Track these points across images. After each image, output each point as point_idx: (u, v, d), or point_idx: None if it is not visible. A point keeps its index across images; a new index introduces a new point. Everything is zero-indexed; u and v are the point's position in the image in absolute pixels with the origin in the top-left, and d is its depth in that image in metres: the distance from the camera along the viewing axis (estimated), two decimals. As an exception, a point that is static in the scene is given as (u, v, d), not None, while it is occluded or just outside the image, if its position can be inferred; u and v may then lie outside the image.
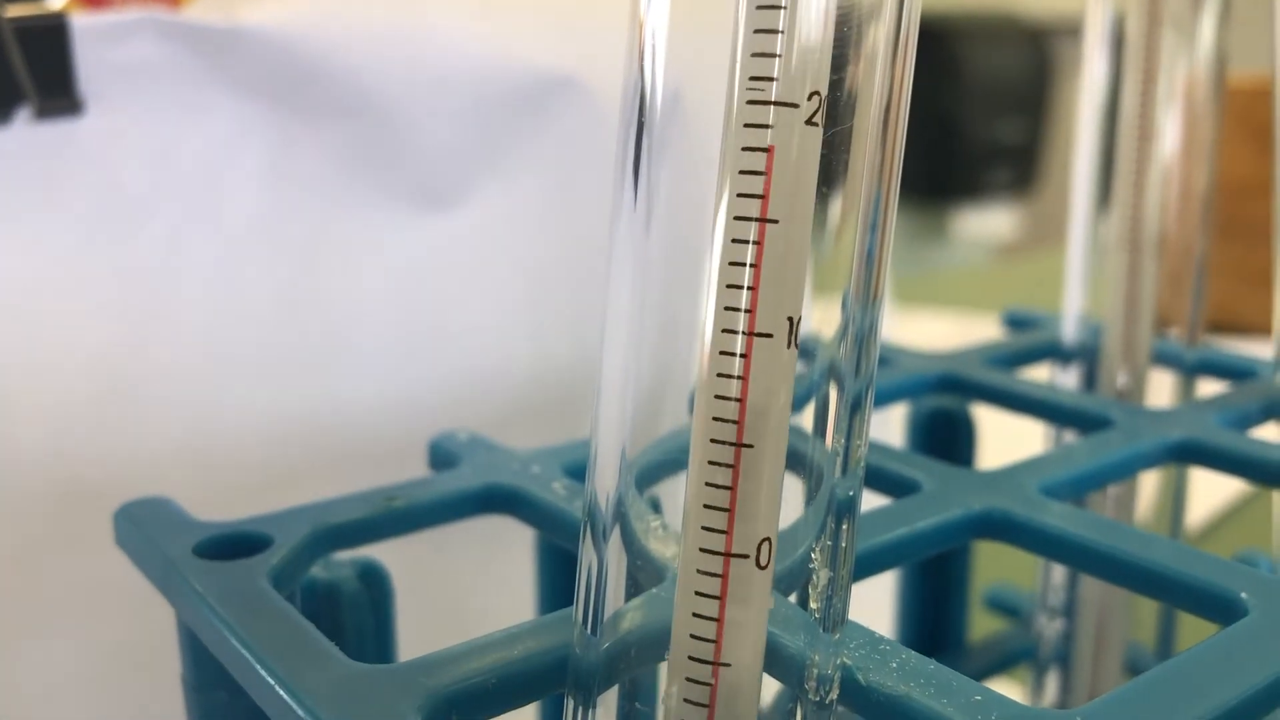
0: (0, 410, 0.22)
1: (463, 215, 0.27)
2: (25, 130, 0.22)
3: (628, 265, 0.12)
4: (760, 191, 0.11)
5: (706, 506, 0.11)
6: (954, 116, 1.69)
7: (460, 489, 0.18)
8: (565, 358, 0.28)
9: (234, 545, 0.16)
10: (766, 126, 0.11)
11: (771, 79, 0.11)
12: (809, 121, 0.11)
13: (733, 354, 0.11)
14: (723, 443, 0.11)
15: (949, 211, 1.78)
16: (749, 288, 0.11)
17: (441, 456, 0.20)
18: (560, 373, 0.28)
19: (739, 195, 0.11)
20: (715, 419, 0.11)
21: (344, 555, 0.17)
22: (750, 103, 0.11)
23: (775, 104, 0.11)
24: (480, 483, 0.18)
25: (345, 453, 0.26)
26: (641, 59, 0.11)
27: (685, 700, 0.12)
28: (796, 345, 0.11)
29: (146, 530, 0.17)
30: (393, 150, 0.26)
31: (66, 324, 0.23)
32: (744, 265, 0.11)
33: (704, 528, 0.11)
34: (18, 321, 0.22)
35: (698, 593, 0.11)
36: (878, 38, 0.11)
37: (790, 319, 0.11)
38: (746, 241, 0.11)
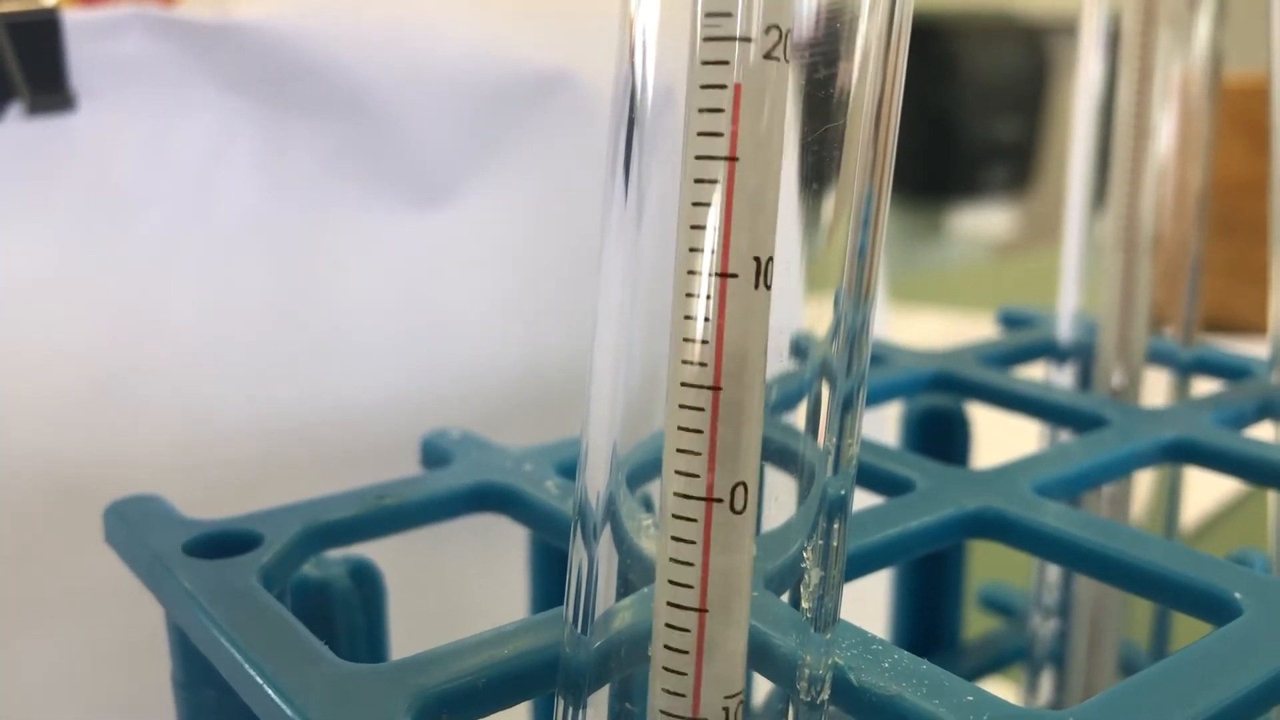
0: (-7, 407, 0.22)
1: (456, 212, 0.27)
2: (17, 126, 0.22)
3: (618, 261, 0.12)
4: (722, 130, 0.11)
5: (679, 451, 0.11)
6: (951, 115, 1.69)
7: (452, 487, 0.18)
8: (559, 354, 0.28)
9: (224, 543, 0.16)
10: (725, 63, 0.10)
11: (729, 14, 0.10)
12: (768, 56, 0.10)
13: (695, 296, 0.11)
14: (694, 387, 0.11)
15: (946, 210, 1.78)
16: (716, 227, 0.11)
17: (434, 454, 0.20)
18: (554, 370, 0.28)
19: (699, 134, 0.11)
20: (684, 362, 0.11)
21: (336, 554, 0.17)
22: (708, 39, 0.11)
23: (734, 39, 0.10)
24: (472, 481, 0.18)
25: (339, 450, 0.26)
26: (632, 55, 0.11)
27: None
28: (767, 286, 0.11)
29: (135, 528, 0.17)
30: (386, 146, 0.26)
31: (59, 321, 0.23)
32: (706, 206, 0.11)
33: (677, 472, 0.11)
34: (10, 319, 0.22)
35: (675, 538, 0.11)
36: (870, 34, 0.11)
37: (757, 259, 0.11)
38: (711, 181, 0.11)
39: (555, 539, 0.17)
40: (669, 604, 0.11)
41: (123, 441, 0.23)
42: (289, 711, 0.13)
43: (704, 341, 0.11)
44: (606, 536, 0.12)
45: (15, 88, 0.22)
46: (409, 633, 0.18)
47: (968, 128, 1.72)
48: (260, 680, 0.13)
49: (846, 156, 0.11)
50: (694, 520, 0.11)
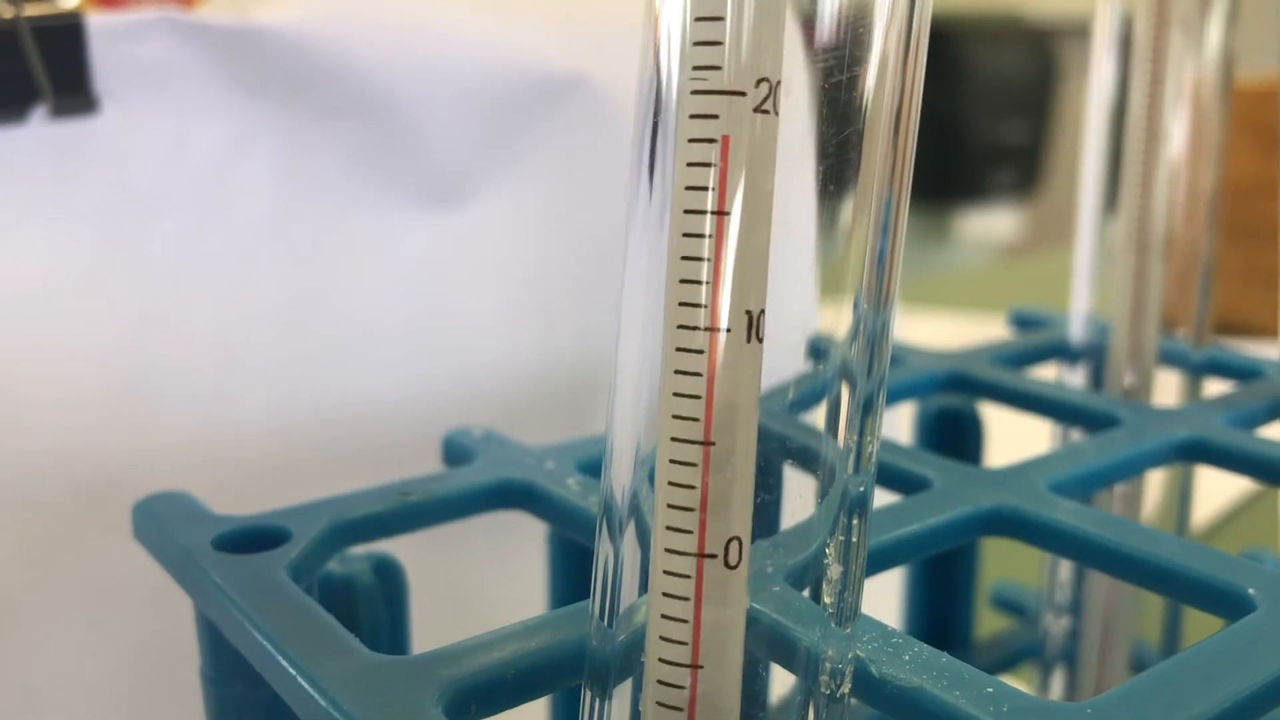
0: (14, 406, 0.22)
1: (471, 213, 0.27)
2: (41, 128, 0.23)
3: (643, 258, 0.12)
4: (709, 184, 0.11)
5: (670, 506, 0.11)
6: (958, 117, 1.69)
7: (475, 484, 0.18)
8: (571, 355, 0.28)
9: (253, 539, 0.16)
10: (714, 116, 0.11)
11: (717, 68, 0.10)
12: (758, 109, 0.11)
13: (691, 350, 0.11)
14: (687, 441, 0.11)
15: (952, 212, 1.77)
16: (706, 282, 0.11)
17: (456, 452, 0.20)
18: (566, 371, 0.28)
19: (687, 188, 0.11)
20: (676, 417, 0.11)
21: (359, 550, 0.18)
22: (695, 93, 0.11)
23: (722, 93, 0.10)
24: (494, 478, 0.19)
25: (354, 449, 0.26)
26: (656, 53, 0.12)
27: (659, 704, 0.12)
28: (759, 339, 0.11)
29: (165, 524, 0.17)
30: (403, 149, 0.26)
31: (80, 321, 0.23)
32: (696, 260, 0.11)
33: (670, 528, 0.11)
34: (32, 318, 0.23)
35: (666, 594, 0.11)
36: (889, 40, 0.11)
37: (749, 313, 0.11)
38: (701, 235, 0.11)
39: (577, 535, 0.18)
40: (660, 660, 0.12)
41: (142, 440, 0.24)
42: (322, 702, 0.13)
43: (694, 396, 0.11)
44: (630, 532, 0.13)
45: (40, 90, 0.22)
46: (430, 628, 0.19)
47: (975, 130, 1.72)
48: (293, 671, 0.13)
49: (866, 161, 0.11)
50: (686, 577, 0.11)
